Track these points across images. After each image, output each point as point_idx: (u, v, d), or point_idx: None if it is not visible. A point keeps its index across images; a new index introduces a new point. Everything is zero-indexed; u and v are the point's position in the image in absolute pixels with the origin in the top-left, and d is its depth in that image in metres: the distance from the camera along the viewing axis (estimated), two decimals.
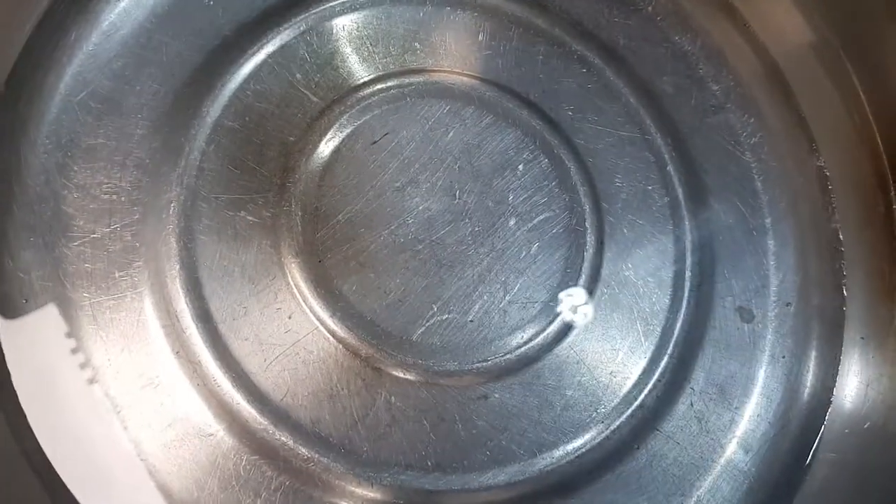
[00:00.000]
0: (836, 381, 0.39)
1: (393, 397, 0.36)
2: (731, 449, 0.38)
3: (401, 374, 0.37)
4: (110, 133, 0.38)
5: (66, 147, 0.37)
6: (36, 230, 0.36)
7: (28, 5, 0.38)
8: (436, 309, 0.38)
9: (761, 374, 0.39)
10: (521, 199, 0.40)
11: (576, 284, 0.39)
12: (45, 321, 0.35)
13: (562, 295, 0.38)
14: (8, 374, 0.34)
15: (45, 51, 0.38)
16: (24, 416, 0.33)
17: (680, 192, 0.41)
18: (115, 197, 0.37)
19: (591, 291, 0.39)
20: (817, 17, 0.41)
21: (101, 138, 0.38)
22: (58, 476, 0.33)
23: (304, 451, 0.35)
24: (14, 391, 0.33)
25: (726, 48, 0.44)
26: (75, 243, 0.36)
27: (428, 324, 0.37)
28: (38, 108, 0.38)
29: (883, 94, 0.39)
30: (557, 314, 0.38)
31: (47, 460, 0.33)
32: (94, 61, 0.39)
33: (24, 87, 0.38)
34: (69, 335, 0.35)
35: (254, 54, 0.40)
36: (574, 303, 0.38)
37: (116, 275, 0.36)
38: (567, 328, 0.38)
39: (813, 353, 0.40)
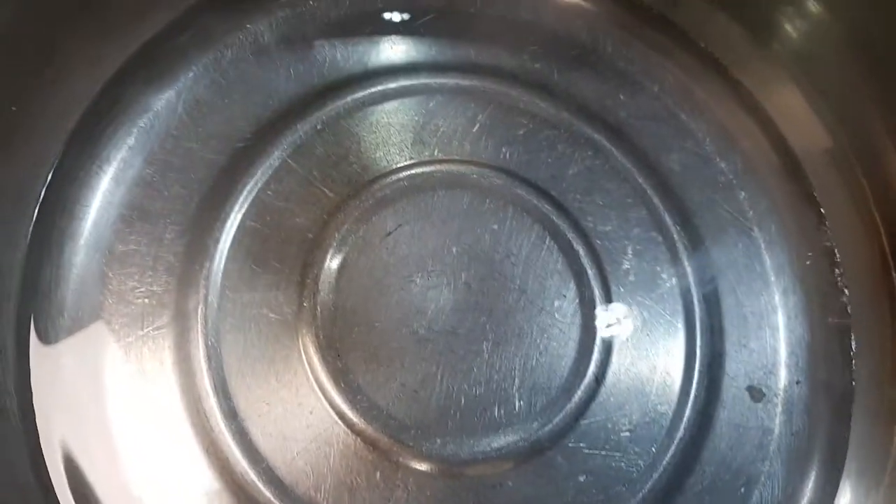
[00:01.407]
0: (845, 461, 0.40)
1: (411, 488, 0.38)
2: None
3: (418, 466, 0.38)
4: (141, 239, 0.40)
5: (101, 255, 0.40)
6: (73, 334, 0.39)
7: (60, 120, 0.41)
8: (452, 399, 0.39)
9: (770, 456, 0.40)
10: (533, 285, 0.41)
11: (587, 371, 0.40)
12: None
13: (574, 382, 0.40)
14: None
15: (79, 164, 0.41)
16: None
17: (689, 270, 0.42)
18: (146, 301, 0.40)
19: (601, 377, 0.40)
20: (825, 109, 0.42)
21: (133, 244, 0.40)
22: None
23: None
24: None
25: (733, 126, 0.44)
26: (110, 348, 0.39)
27: (444, 414, 0.39)
28: (75, 220, 0.40)
29: (886, 182, 0.40)
30: (570, 401, 0.39)
31: None
32: (125, 172, 0.41)
33: (59, 201, 0.40)
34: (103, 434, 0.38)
35: (272, 154, 0.42)
36: (586, 389, 0.40)
37: (148, 376, 0.38)
38: (579, 414, 0.39)
39: (823, 430, 0.40)
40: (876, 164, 0.40)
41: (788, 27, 0.42)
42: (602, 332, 0.41)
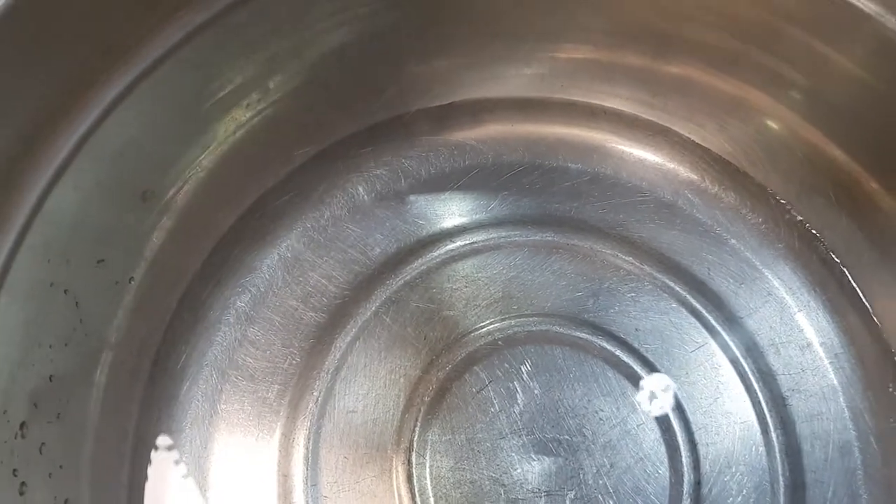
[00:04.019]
0: None
1: None
2: None
3: None
4: (245, 399, 0.42)
5: (207, 415, 0.42)
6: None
7: (172, 287, 0.43)
8: None
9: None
10: (621, 442, 0.42)
11: None
12: None
13: None
14: None
15: (186, 327, 0.43)
16: None
17: (775, 438, 0.43)
18: (249, 458, 0.41)
19: None
20: None
21: (237, 404, 0.42)
22: None
23: None
24: None
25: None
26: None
27: None
28: (181, 388, 0.42)
29: None
30: None
31: None
32: (230, 332, 0.43)
33: (168, 364, 0.42)
34: None
35: (369, 310, 0.44)
36: None
37: None
38: None
39: None
40: None
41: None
42: (689, 485, 0.42)
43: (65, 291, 0.36)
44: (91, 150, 0.35)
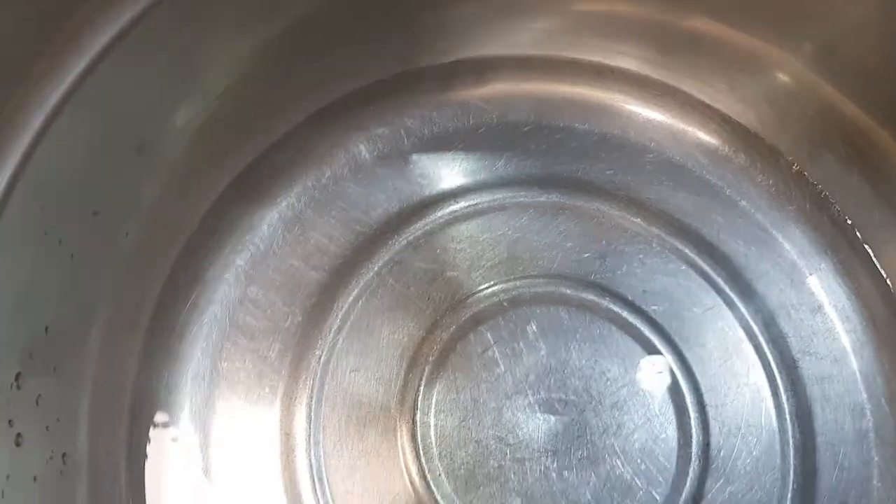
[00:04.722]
0: None
1: None
2: None
3: None
4: (246, 357, 0.42)
5: (208, 373, 0.41)
6: (176, 468, 0.40)
7: (167, 244, 0.42)
8: None
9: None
10: (628, 402, 0.42)
11: (683, 490, 0.41)
12: None
13: (672, 500, 0.40)
14: None
15: (184, 286, 0.42)
16: None
17: (785, 400, 0.42)
18: (251, 418, 0.41)
19: (699, 498, 0.40)
20: None
21: (238, 363, 0.42)
22: None
23: None
24: None
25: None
26: (216, 468, 0.40)
27: None
28: (183, 340, 0.42)
29: None
30: None
31: None
32: (230, 291, 0.42)
33: (167, 321, 0.42)
34: None
35: (371, 270, 0.44)
36: None
37: (255, 492, 0.40)
38: None
39: None
40: None
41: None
42: (698, 447, 0.41)
43: (59, 241, 0.35)
44: (84, 96, 0.34)
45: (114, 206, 0.38)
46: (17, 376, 0.33)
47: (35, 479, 0.33)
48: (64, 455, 0.35)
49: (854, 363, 0.43)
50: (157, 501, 0.39)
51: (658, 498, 0.40)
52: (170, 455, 0.40)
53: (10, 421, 0.32)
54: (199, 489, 0.39)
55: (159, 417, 0.40)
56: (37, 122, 0.33)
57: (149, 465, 0.39)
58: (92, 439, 0.37)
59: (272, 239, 0.43)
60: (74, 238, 0.36)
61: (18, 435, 0.33)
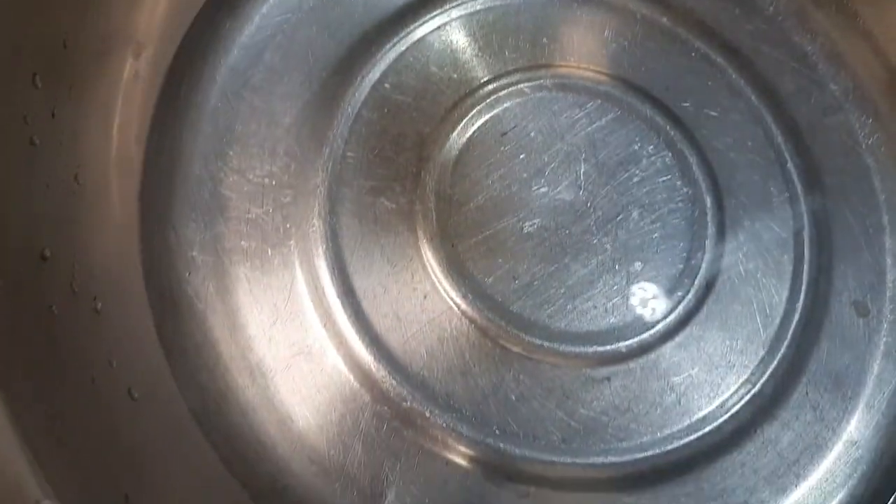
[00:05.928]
0: None
1: (521, 375, 0.38)
2: (845, 437, 0.39)
3: (528, 355, 0.39)
4: (261, 120, 0.41)
5: (222, 133, 0.40)
6: (196, 209, 0.39)
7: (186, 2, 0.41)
8: (561, 294, 0.40)
9: (875, 368, 0.40)
10: (645, 191, 0.41)
11: (697, 275, 0.40)
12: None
13: (684, 285, 0.40)
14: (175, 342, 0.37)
15: (202, 43, 0.41)
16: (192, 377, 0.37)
17: (799, 188, 0.42)
18: (267, 181, 0.40)
19: (711, 283, 0.40)
20: None
21: (254, 125, 0.41)
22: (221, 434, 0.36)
23: (439, 420, 0.37)
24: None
25: (846, 50, 0.45)
26: (232, 222, 0.39)
27: (553, 308, 0.40)
28: (197, 98, 0.41)
29: None
30: (678, 303, 0.40)
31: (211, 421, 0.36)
32: (246, 53, 0.42)
33: (183, 78, 0.41)
34: (226, 305, 0.38)
35: (392, 48, 0.43)
36: (696, 292, 0.40)
37: (269, 252, 0.39)
38: (687, 317, 0.40)
39: None
40: None
41: None
42: (712, 240, 0.41)
43: None
44: None
45: None
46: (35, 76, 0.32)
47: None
48: (76, 175, 0.35)
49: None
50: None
51: (674, 275, 0.40)
52: (183, 194, 0.39)
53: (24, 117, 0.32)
54: (211, 237, 0.39)
55: (170, 174, 0.40)
56: None
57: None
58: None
59: (291, 6, 0.43)
60: None
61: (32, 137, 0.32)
